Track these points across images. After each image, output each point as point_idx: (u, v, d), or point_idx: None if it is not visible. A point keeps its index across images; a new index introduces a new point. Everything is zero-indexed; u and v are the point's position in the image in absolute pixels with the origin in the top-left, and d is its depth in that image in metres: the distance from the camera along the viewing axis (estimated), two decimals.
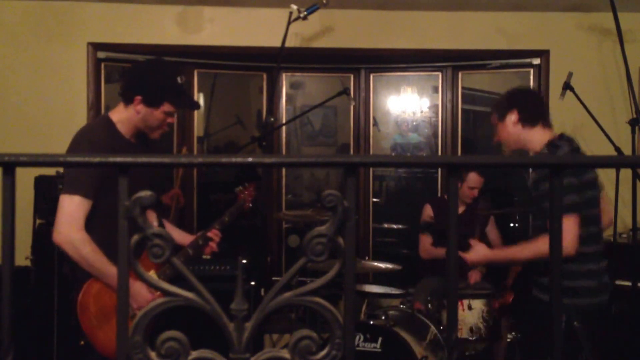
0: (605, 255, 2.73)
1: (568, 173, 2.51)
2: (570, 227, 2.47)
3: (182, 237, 2.89)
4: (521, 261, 2.95)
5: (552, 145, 2.68)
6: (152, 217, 2.81)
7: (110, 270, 2.37)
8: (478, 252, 2.83)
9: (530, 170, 2.63)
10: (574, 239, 2.49)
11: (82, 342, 2.47)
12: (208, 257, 4.02)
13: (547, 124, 2.78)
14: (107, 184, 2.38)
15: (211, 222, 2.88)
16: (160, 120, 2.57)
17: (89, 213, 2.41)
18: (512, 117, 2.76)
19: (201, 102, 5.25)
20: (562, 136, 2.74)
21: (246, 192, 3.03)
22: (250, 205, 3.03)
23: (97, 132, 2.53)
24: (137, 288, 2.46)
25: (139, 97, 2.52)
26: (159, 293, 2.56)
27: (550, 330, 0.96)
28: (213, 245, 2.82)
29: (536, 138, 2.74)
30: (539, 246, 2.55)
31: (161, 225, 2.82)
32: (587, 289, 2.62)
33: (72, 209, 2.37)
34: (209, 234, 2.80)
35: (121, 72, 4.75)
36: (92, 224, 2.41)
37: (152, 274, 2.59)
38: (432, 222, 4.17)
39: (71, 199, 2.38)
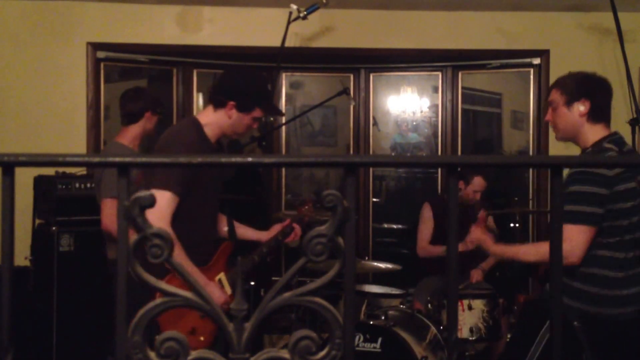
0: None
1: (597, 182, 2.37)
2: (575, 235, 2.35)
3: (257, 234, 2.99)
4: (525, 262, 2.87)
5: (598, 146, 2.49)
6: (223, 220, 2.85)
7: (191, 268, 2.40)
8: (486, 239, 2.71)
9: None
10: (579, 247, 2.36)
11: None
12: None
13: (609, 122, 2.57)
14: (194, 184, 2.47)
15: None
16: (247, 125, 2.65)
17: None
18: (581, 108, 2.50)
19: (201, 102, 5.25)
20: (612, 136, 2.53)
21: (306, 207, 3.15)
22: (307, 220, 3.12)
23: (189, 134, 2.58)
24: (211, 289, 2.50)
25: (232, 103, 2.58)
26: (230, 294, 2.63)
27: (550, 331, 0.96)
28: (296, 232, 2.93)
29: (591, 136, 2.52)
30: (544, 249, 2.40)
31: (232, 226, 2.88)
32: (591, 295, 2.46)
33: (163, 205, 2.39)
34: (294, 225, 2.93)
35: (121, 71, 4.75)
36: (174, 222, 2.44)
37: (222, 277, 2.62)
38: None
39: (162, 195, 2.39)
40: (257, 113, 2.62)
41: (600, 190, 2.37)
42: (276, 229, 2.96)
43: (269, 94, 2.70)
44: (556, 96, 2.56)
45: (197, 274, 2.43)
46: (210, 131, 2.63)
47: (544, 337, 2.46)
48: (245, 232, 2.99)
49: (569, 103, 2.53)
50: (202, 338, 2.54)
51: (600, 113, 2.52)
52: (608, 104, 2.57)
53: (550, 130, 4.40)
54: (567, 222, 2.35)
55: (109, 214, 3.12)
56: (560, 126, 2.56)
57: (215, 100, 2.65)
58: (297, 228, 2.94)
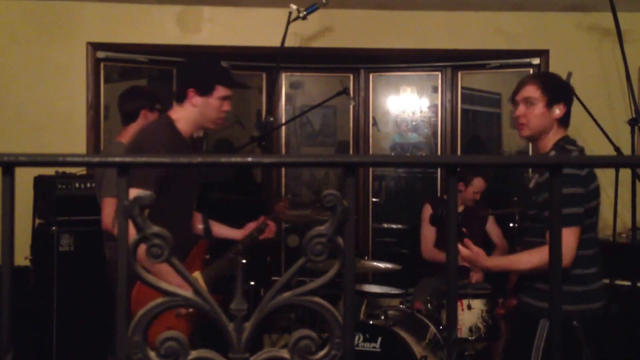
0: (601, 259, 2.63)
1: (575, 182, 2.42)
2: (568, 237, 2.38)
3: (232, 232, 2.98)
4: (519, 271, 2.83)
5: (559, 147, 2.53)
6: (198, 218, 2.85)
7: (166, 267, 2.37)
8: (478, 255, 2.75)
9: (531, 172, 2.49)
10: (573, 249, 2.41)
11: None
12: (207, 256, 4.03)
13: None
14: (169, 183, 2.46)
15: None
16: (217, 108, 2.62)
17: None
18: (557, 111, 2.53)
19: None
20: (567, 139, 2.59)
21: (282, 203, 3.18)
22: (284, 217, 3.16)
23: (162, 133, 2.58)
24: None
25: (191, 89, 2.59)
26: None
27: (550, 332, 0.96)
28: (271, 228, 2.92)
29: (552, 138, 2.57)
30: (539, 257, 2.45)
31: (207, 225, 2.89)
32: (585, 293, 2.53)
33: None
34: (267, 222, 2.92)
35: (121, 71, 4.75)
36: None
37: (197, 275, 2.61)
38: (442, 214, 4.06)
39: (136, 193, 2.39)
40: (220, 92, 2.61)
41: (579, 190, 2.43)
42: (251, 226, 2.94)
43: (225, 70, 2.67)
44: (536, 94, 2.54)
45: (172, 275, 2.41)
46: (183, 127, 2.62)
47: (541, 344, 2.47)
48: (220, 230, 2.98)
49: (549, 104, 2.53)
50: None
51: (568, 119, 2.57)
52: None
53: None
54: (567, 225, 2.40)
55: (109, 212, 3.08)
56: (533, 125, 2.55)
57: (177, 96, 2.66)
58: (271, 225, 2.93)
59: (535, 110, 2.53)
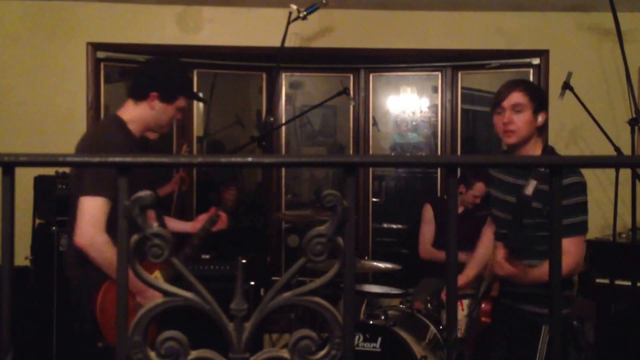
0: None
1: (583, 190, 2.44)
2: (581, 246, 2.45)
3: (185, 226, 2.94)
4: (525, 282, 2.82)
5: (550, 152, 2.61)
6: (152, 215, 2.82)
7: (131, 273, 2.35)
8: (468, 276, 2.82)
9: (532, 179, 2.45)
10: (583, 257, 2.49)
11: (100, 344, 2.43)
12: (207, 257, 4.03)
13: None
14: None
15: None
16: (171, 116, 2.62)
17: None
18: (540, 119, 2.56)
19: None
20: (546, 148, 2.64)
21: (229, 192, 3.07)
22: (233, 205, 3.08)
23: (114, 133, 2.52)
24: (152, 294, 2.40)
25: (155, 93, 2.55)
26: None
27: (550, 332, 0.96)
28: (223, 219, 2.88)
29: (535, 148, 2.60)
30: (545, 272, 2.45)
31: (161, 221, 2.83)
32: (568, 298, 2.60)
33: (95, 211, 2.34)
34: (220, 213, 2.88)
35: (121, 71, 4.75)
36: (110, 226, 2.38)
37: (157, 275, 2.59)
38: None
39: (94, 201, 2.34)
40: (180, 102, 2.60)
41: (586, 198, 2.47)
42: (202, 219, 2.91)
43: (190, 82, 2.70)
44: (524, 101, 2.54)
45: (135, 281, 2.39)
46: (134, 127, 2.58)
47: (544, 351, 2.48)
48: (173, 225, 2.95)
49: (535, 112, 2.54)
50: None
51: (544, 128, 2.63)
52: None
53: (550, 130, 4.43)
54: (573, 235, 2.43)
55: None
56: (521, 132, 2.54)
57: (136, 93, 2.59)
58: (223, 216, 2.90)
59: (523, 117, 2.53)
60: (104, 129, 2.64)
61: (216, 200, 3.17)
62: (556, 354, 0.94)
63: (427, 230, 4.39)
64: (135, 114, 2.57)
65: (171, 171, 3.99)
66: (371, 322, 3.42)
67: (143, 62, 3.18)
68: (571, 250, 2.39)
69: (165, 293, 0.91)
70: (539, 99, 2.58)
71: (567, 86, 3.80)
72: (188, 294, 0.90)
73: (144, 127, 2.60)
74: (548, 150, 2.63)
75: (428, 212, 4.43)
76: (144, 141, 2.69)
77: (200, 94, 5.17)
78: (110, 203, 2.36)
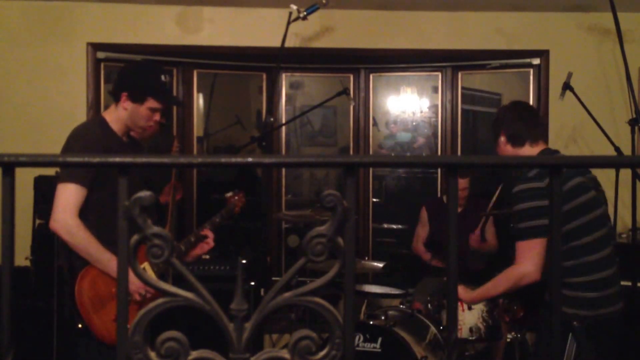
0: (614, 262, 2.68)
1: (539, 195, 2.50)
2: (531, 252, 2.50)
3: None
4: (496, 296, 2.99)
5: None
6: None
7: (104, 256, 2.49)
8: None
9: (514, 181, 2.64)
10: (538, 263, 2.51)
11: (80, 326, 2.56)
12: (207, 257, 4.03)
13: (535, 141, 2.73)
14: (101, 175, 2.51)
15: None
16: (145, 117, 2.68)
17: (85, 203, 2.52)
18: (502, 139, 2.76)
19: (201, 102, 5.25)
20: (544, 152, 2.70)
21: (236, 198, 3.19)
22: (239, 211, 3.18)
23: (92, 132, 2.64)
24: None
25: (124, 93, 2.66)
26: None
27: (550, 333, 0.96)
28: (204, 245, 2.93)
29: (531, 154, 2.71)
30: (505, 282, 2.63)
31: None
32: (587, 299, 2.58)
33: (66, 196, 2.49)
34: (203, 233, 2.93)
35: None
36: (87, 214, 2.52)
37: (146, 266, 2.63)
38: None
39: (66, 187, 2.49)
40: (151, 103, 2.66)
41: (542, 202, 2.52)
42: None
43: (160, 84, 2.72)
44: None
45: (103, 253, 2.51)
46: (116, 127, 2.70)
47: (573, 347, 2.51)
48: None
49: (495, 138, 2.80)
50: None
51: (516, 137, 2.73)
52: (523, 126, 2.74)
53: (550, 130, 4.44)
54: (532, 237, 2.51)
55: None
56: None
57: (113, 95, 2.74)
58: (210, 237, 2.94)
59: (498, 146, 2.79)
60: (84, 127, 2.75)
61: (221, 203, 3.20)
62: (555, 352, 0.94)
63: (421, 231, 4.63)
64: (115, 114, 2.71)
65: (169, 174, 4.00)
66: (371, 323, 3.42)
67: (122, 66, 3.29)
68: (525, 253, 2.54)
69: (166, 293, 0.91)
70: (493, 126, 2.83)
71: (567, 86, 3.80)
72: (188, 294, 0.90)
73: (124, 127, 2.71)
74: (546, 151, 2.69)
75: (423, 214, 4.58)
76: (135, 142, 2.80)
77: (200, 98, 5.17)
78: (83, 189, 2.50)
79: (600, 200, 2.67)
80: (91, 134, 2.61)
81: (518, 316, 3.01)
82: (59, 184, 2.52)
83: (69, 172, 2.50)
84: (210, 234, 2.93)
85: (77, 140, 2.58)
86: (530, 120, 2.77)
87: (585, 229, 2.58)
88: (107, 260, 2.49)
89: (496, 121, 2.82)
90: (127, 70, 2.88)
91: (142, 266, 2.72)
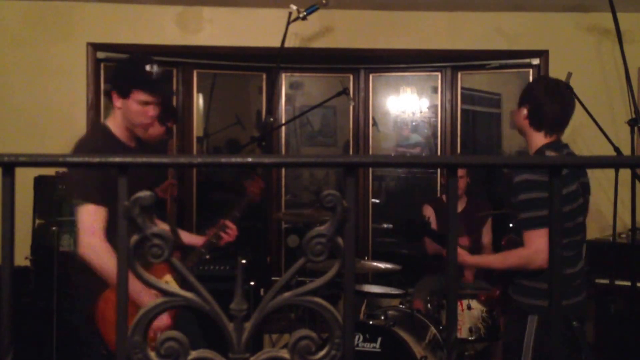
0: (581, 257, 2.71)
1: (541, 186, 2.49)
2: (542, 238, 2.49)
3: (191, 238, 2.94)
4: (496, 269, 2.96)
5: (540, 152, 2.62)
6: (164, 228, 2.82)
7: (134, 287, 2.33)
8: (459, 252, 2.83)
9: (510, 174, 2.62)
10: (546, 251, 2.51)
11: (105, 352, 2.43)
12: (207, 257, 4.03)
13: (552, 133, 2.66)
14: (110, 189, 2.39)
15: (212, 219, 2.94)
16: (137, 112, 2.54)
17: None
18: (523, 112, 2.67)
19: (200, 102, 5.25)
20: (553, 144, 2.65)
21: (255, 184, 3.06)
22: (259, 199, 3.07)
23: (94, 143, 2.55)
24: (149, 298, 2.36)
25: (114, 92, 2.58)
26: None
27: (549, 333, 0.96)
28: (230, 232, 2.87)
29: (534, 142, 2.67)
30: (515, 259, 2.60)
31: (176, 233, 2.87)
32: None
33: (88, 219, 2.36)
34: (227, 224, 2.87)
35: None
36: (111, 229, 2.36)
37: (168, 278, 2.59)
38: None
39: (84, 209, 2.37)
40: (138, 95, 2.51)
41: (544, 194, 2.49)
42: (210, 233, 2.92)
43: (145, 74, 2.53)
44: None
45: (137, 284, 2.38)
46: (119, 132, 2.61)
47: (530, 342, 2.51)
48: (182, 237, 2.96)
49: (518, 105, 2.74)
50: (151, 334, 2.55)
51: (539, 121, 2.65)
52: (551, 115, 2.65)
53: None
54: (540, 227, 2.49)
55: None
56: (516, 123, 2.81)
57: (108, 97, 2.67)
58: (233, 228, 2.89)
59: (516, 112, 2.75)
60: (86, 138, 2.68)
61: (221, 204, 3.17)
62: (555, 348, 0.94)
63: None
64: (115, 119, 2.62)
65: (165, 172, 4.01)
66: (371, 322, 3.42)
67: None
68: (535, 239, 2.51)
69: (165, 293, 0.91)
70: (522, 93, 2.75)
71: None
72: (188, 294, 0.90)
73: (125, 128, 2.61)
74: (542, 149, 2.64)
75: (428, 212, 4.47)
76: (141, 144, 2.70)
77: (200, 98, 5.16)
78: (101, 208, 2.36)
79: (584, 208, 2.67)
80: (93, 145, 2.52)
81: (494, 295, 3.01)
82: (77, 209, 2.38)
83: (82, 194, 2.38)
84: (232, 230, 2.88)
85: (75, 149, 2.52)
86: (561, 115, 2.67)
87: (567, 232, 2.59)
88: (136, 293, 2.17)
89: (529, 92, 2.71)
90: (114, 68, 2.85)
91: (164, 278, 2.68)
